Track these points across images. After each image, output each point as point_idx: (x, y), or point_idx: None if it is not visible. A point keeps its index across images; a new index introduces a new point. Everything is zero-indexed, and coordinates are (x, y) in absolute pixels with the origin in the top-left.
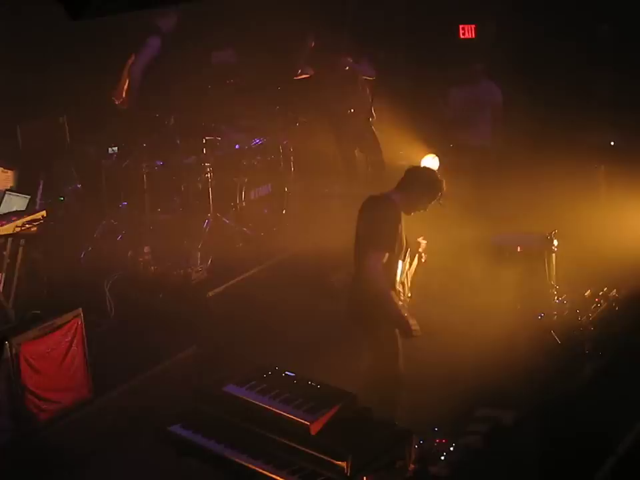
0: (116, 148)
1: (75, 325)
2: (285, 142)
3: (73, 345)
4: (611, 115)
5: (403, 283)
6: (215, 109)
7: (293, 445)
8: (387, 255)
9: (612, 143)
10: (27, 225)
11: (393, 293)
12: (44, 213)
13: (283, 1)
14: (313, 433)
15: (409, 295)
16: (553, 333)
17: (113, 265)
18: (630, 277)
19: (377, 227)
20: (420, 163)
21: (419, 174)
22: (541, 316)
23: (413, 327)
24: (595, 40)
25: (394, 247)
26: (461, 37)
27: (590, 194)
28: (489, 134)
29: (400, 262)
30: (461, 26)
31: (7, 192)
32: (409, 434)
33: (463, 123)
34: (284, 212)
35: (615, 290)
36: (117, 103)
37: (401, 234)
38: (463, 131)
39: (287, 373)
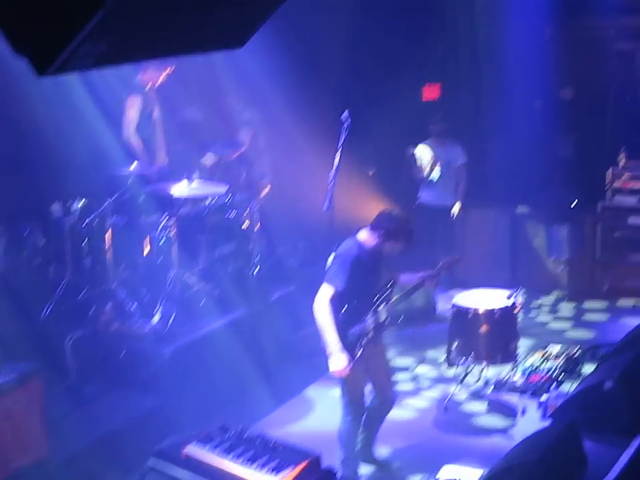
0: (80, 204)
1: (34, 383)
2: (250, 199)
3: (32, 404)
4: (573, 176)
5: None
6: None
7: None
8: (333, 289)
9: (574, 203)
10: None
11: (332, 325)
12: (5, 269)
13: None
14: None
15: (370, 335)
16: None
17: (75, 322)
18: None
19: (331, 263)
20: None
21: (387, 220)
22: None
23: (337, 366)
24: (558, 102)
25: (341, 284)
26: (426, 97)
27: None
28: (453, 193)
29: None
30: (425, 86)
31: None
32: None
33: (427, 183)
34: (248, 270)
35: (577, 348)
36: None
37: (362, 272)
38: (426, 191)
39: (250, 431)
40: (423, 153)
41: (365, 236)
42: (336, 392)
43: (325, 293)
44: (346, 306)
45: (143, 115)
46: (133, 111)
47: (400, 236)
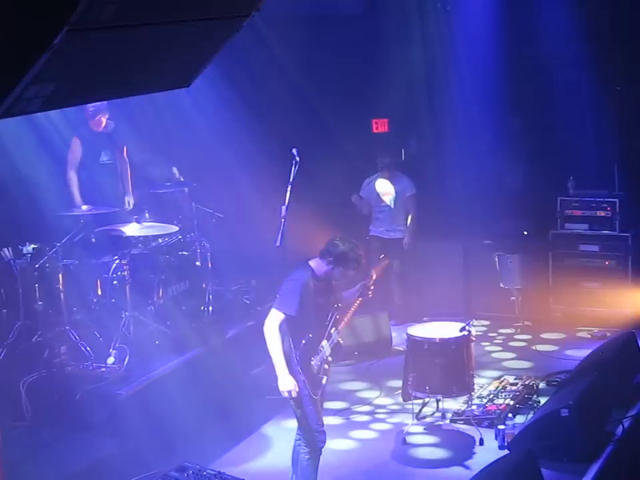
0: (31, 248)
1: None
2: (201, 238)
3: None
4: (523, 205)
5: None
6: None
7: None
8: (283, 315)
9: (525, 232)
10: None
11: (280, 349)
12: None
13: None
14: None
15: (330, 359)
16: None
17: (29, 366)
18: None
19: (282, 288)
20: None
21: (336, 246)
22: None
23: (285, 387)
24: (506, 132)
25: (292, 310)
26: (374, 130)
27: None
28: (403, 226)
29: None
30: (373, 120)
31: None
32: None
33: (378, 216)
34: (202, 308)
35: (533, 377)
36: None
37: (313, 298)
38: (377, 224)
39: (208, 470)
40: (372, 186)
41: (315, 264)
42: (293, 425)
43: (274, 317)
44: (303, 341)
45: (87, 156)
46: (73, 151)
47: (349, 262)
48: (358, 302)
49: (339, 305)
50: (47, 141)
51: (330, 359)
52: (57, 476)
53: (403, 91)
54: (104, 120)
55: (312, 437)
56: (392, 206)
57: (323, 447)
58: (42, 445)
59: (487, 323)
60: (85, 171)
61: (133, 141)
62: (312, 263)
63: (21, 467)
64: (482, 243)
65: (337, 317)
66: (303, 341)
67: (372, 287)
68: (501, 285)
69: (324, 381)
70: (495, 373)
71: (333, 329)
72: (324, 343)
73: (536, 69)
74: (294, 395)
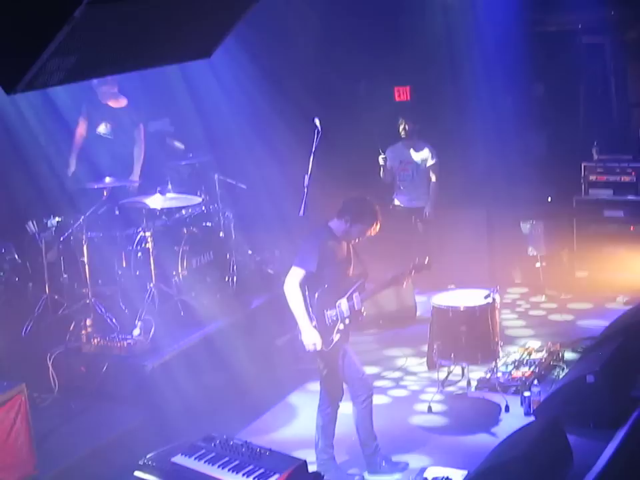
0: (55, 221)
1: (19, 400)
2: (225, 209)
3: (17, 421)
4: (547, 172)
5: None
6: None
7: None
8: (302, 271)
9: (549, 199)
10: None
11: (302, 304)
12: None
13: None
14: None
15: (347, 321)
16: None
17: (56, 338)
18: None
19: (301, 246)
20: None
21: (353, 203)
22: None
23: (309, 340)
24: (529, 99)
25: (312, 266)
26: (396, 99)
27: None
28: (426, 195)
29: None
30: (395, 88)
31: None
32: None
33: (400, 185)
34: (227, 279)
35: (558, 344)
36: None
37: (332, 257)
38: (400, 193)
39: (235, 440)
40: (395, 155)
41: (333, 224)
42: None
43: (294, 274)
44: (320, 289)
45: (89, 125)
46: (80, 126)
47: (366, 218)
48: (386, 286)
49: (365, 273)
50: (65, 112)
51: (347, 321)
52: (85, 447)
53: (425, 59)
54: (110, 91)
55: (329, 396)
56: (415, 174)
57: (372, 393)
58: (70, 416)
59: (510, 289)
60: (85, 140)
61: (154, 114)
62: (331, 224)
63: (50, 438)
64: (506, 210)
65: (361, 284)
66: (316, 295)
67: (405, 280)
68: (525, 252)
69: (336, 338)
70: (520, 340)
71: (356, 293)
72: (342, 301)
73: (558, 34)
74: (318, 348)
